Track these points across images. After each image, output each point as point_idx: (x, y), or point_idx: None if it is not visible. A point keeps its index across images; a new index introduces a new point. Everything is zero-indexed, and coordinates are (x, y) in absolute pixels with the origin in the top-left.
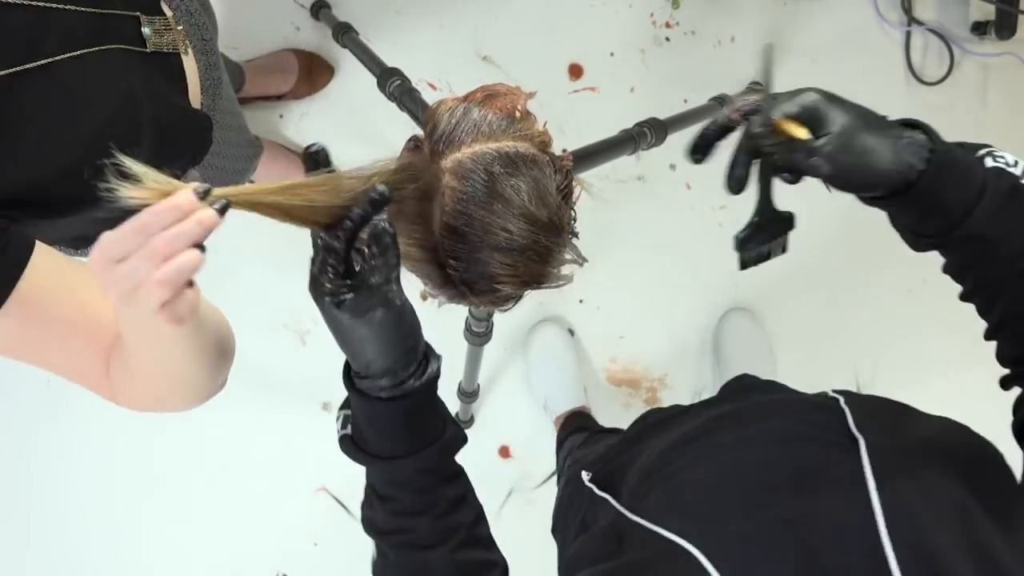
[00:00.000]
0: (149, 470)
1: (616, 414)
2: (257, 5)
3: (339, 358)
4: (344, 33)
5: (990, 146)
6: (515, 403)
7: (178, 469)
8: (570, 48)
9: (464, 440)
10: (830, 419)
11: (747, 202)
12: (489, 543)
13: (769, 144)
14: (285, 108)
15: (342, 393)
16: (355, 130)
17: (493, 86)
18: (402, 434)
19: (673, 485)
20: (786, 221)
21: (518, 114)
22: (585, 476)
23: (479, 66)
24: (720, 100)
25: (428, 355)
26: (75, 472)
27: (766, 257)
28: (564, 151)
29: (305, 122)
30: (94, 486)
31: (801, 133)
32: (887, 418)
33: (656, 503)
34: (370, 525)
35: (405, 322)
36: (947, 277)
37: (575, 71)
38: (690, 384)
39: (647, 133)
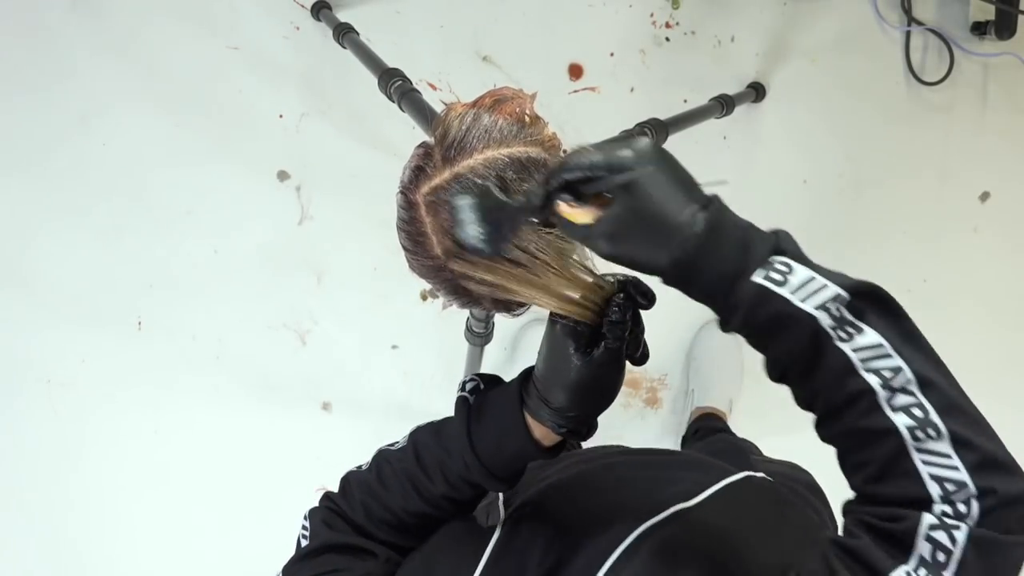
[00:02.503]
0: (148, 470)
1: (615, 413)
2: (257, 5)
3: (338, 358)
4: (344, 34)
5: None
6: None
7: (177, 469)
8: (570, 48)
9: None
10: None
11: (746, 202)
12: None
13: (550, 219)
14: (285, 107)
15: (342, 393)
16: (355, 130)
17: (500, 90)
18: (510, 460)
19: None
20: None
21: (527, 119)
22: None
23: (479, 66)
24: (720, 100)
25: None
26: (74, 472)
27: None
28: (565, 152)
29: (305, 122)
30: (93, 486)
31: (576, 216)
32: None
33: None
34: (386, 454)
35: (612, 382)
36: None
37: (575, 71)
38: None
39: (647, 133)
